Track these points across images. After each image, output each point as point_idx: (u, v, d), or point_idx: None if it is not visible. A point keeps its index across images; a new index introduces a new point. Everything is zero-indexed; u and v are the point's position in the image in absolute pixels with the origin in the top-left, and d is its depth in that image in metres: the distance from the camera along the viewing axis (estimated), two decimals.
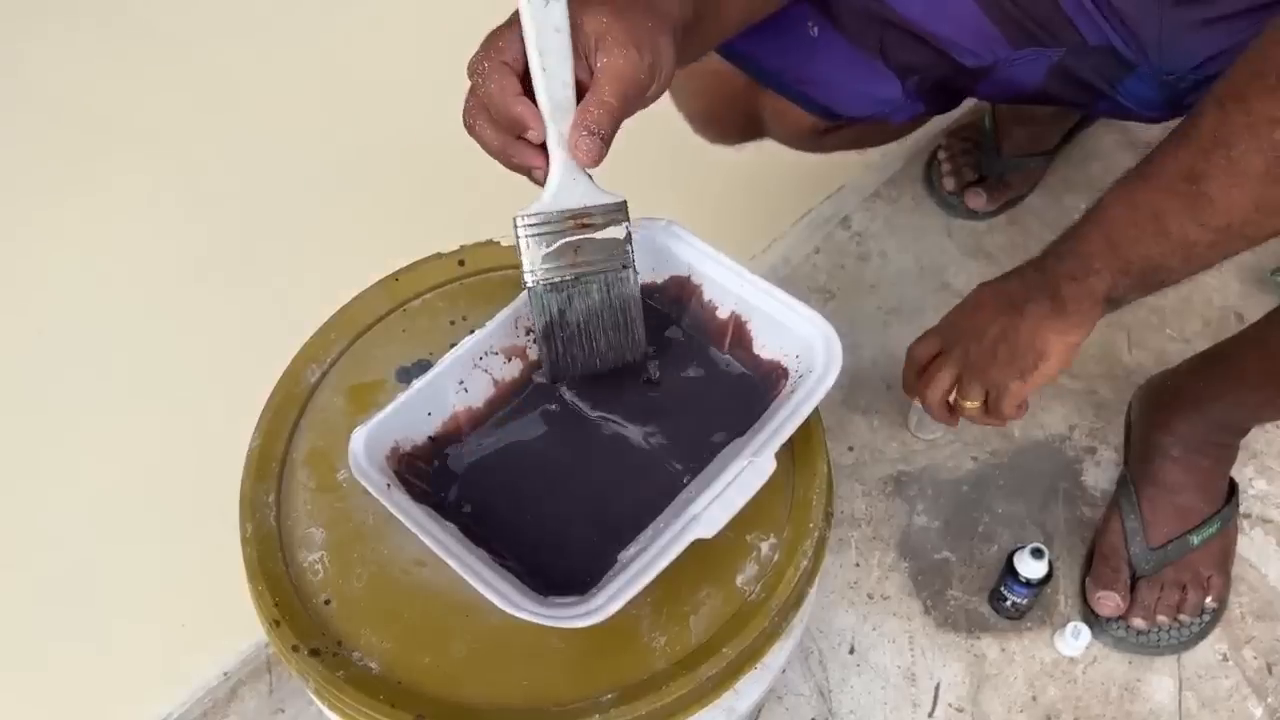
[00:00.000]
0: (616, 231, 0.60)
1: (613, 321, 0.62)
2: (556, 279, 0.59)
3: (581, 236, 0.59)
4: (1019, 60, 0.77)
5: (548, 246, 0.58)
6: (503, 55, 0.54)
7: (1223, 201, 0.58)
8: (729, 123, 0.84)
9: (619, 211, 0.60)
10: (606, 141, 0.55)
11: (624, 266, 0.60)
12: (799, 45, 0.80)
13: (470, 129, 0.56)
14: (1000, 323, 0.74)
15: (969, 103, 1.29)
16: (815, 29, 0.79)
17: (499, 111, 0.55)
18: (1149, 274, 0.65)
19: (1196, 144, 0.58)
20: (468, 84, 0.56)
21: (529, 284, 0.59)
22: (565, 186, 0.58)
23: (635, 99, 0.55)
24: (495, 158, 0.57)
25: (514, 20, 0.55)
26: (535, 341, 0.61)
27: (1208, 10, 0.68)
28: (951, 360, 0.78)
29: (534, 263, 0.59)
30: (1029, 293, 0.73)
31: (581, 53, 0.55)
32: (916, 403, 0.84)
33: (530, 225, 0.58)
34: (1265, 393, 0.84)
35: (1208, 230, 0.60)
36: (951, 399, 0.80)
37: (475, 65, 0.55)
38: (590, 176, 0.59)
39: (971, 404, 0.78)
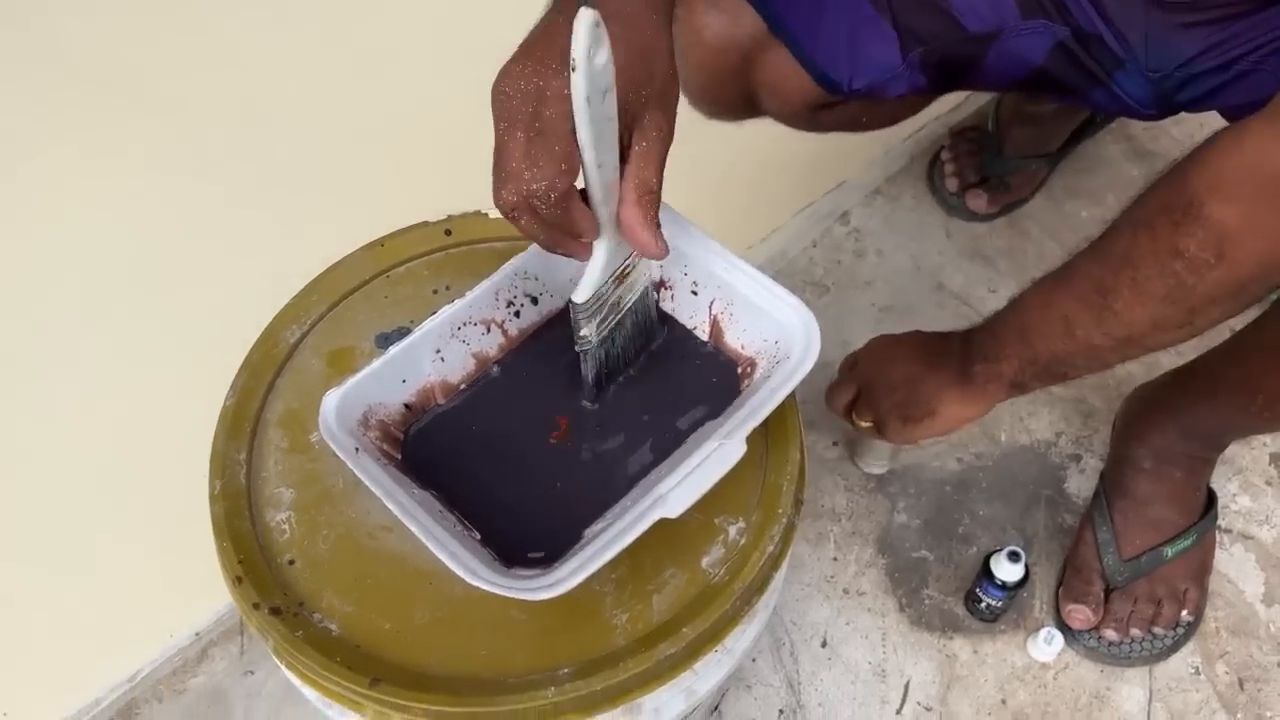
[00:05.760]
0: (646, 269, 0.62)
1: (642, 338, 0.65)
2: (605, 333, 0.61)
3: (621, 287, 0.61)
4: (1026, 31, 0.76)
5: (600, 315, 0.60)
6: (556, 152, 0.50)
7: (1125, 316, 0.63)
8: (727, 98, 0.84)
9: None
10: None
11: (644, 289, 0.63)
12: None
13: (510, 218, 0.53)
14: (912, 369, 0.81)
15: (964, 97, 1.29)
16: None
17: (556, 217, 0.52)
18: (1053, 367, 0.71)
19: (1109, 261, 0.64)
20: (511, 167, 0.51)
21: (587, 349, 0.61)
22: (610, 257, 0.57)
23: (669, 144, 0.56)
24: (535, 243, 0.56)
25: (537, 90, 0.50)
26: (580, 362, 0.63)
27: (1190, 15, 0.70)
28: (857, 377, 0.86)
29: (591, 331, 0.60)
30: (947, 356, 0.79)
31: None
32: (867, 438, 0.93)
33: (588, 307, 0.58)
34: (1239, 401, 0.85)
35: (1110, 339, 0.65)
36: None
37: (527, 161, 0.50)
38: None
39: (862, 423, 0.86)
